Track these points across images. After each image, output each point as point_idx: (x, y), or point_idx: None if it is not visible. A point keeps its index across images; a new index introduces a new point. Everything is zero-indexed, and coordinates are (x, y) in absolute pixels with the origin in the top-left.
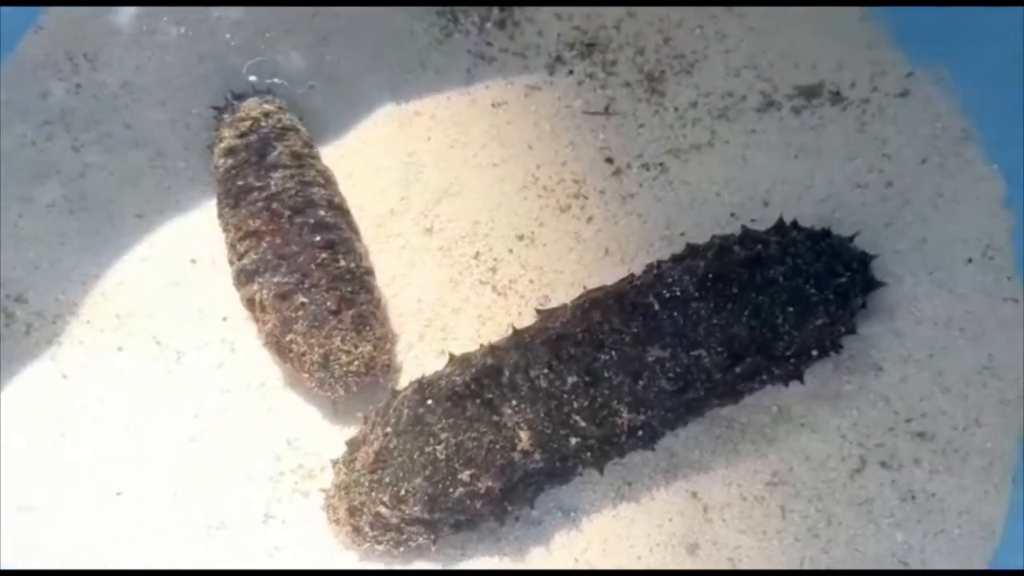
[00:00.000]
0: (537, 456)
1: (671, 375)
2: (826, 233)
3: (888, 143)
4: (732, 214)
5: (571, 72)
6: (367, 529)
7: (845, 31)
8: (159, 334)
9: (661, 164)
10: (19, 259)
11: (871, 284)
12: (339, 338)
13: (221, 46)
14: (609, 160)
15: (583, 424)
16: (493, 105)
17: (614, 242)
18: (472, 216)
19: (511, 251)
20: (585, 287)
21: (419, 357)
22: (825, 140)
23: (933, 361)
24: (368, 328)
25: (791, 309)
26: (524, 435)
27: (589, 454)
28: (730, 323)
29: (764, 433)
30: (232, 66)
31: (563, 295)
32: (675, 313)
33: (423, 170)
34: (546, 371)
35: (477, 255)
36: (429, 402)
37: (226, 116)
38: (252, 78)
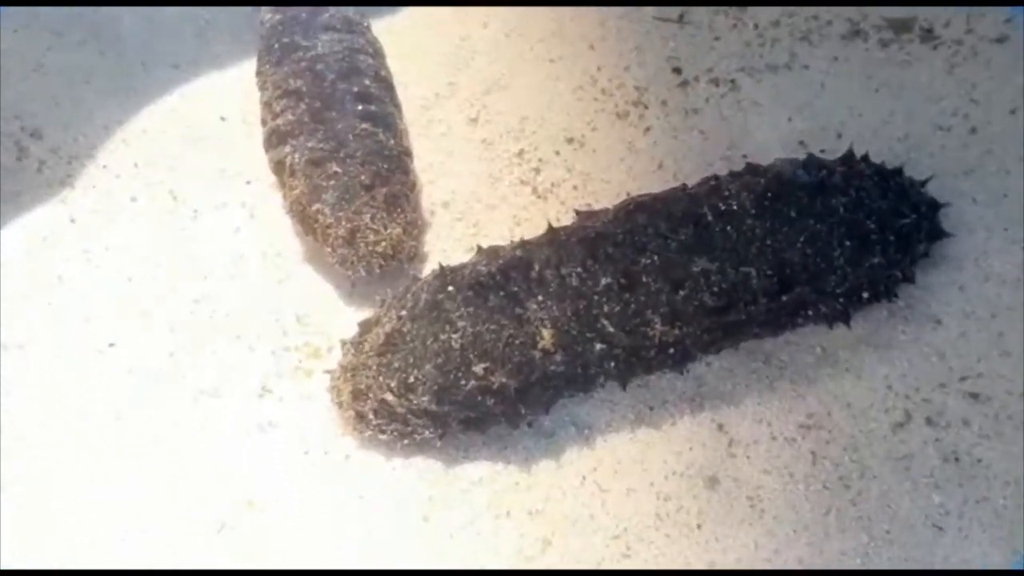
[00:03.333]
0: (558, 357)
1: (715, 290)
2: (897, 172)
3: (977, 88)
4: (801, 142)
5: None
6: (371, 416)
7: None
8: (177, 189)
9: (732, 81)
10: (40, 92)
11: (937, 233)
12: (369, 215)
13: None
14: (676, 70)
15: (612, 330)
16: None
17: (670, 157)
18: (521, 111)
19: (558, 153)
20: (628, 194)
21: (446, 250)
22: (910, 77)
23: (996, 321)
24: (400, 210)
25: (848, 243)
26: (547, 333)
27: (613, 364)
28: (784, 247)
29: (805, 373)
30: None
31: (607, 204)
32: (728, 227)
33: (475, 57)
34: (579, 269)
35: (521, 153)
36: (450, 288)
37: None
38: None
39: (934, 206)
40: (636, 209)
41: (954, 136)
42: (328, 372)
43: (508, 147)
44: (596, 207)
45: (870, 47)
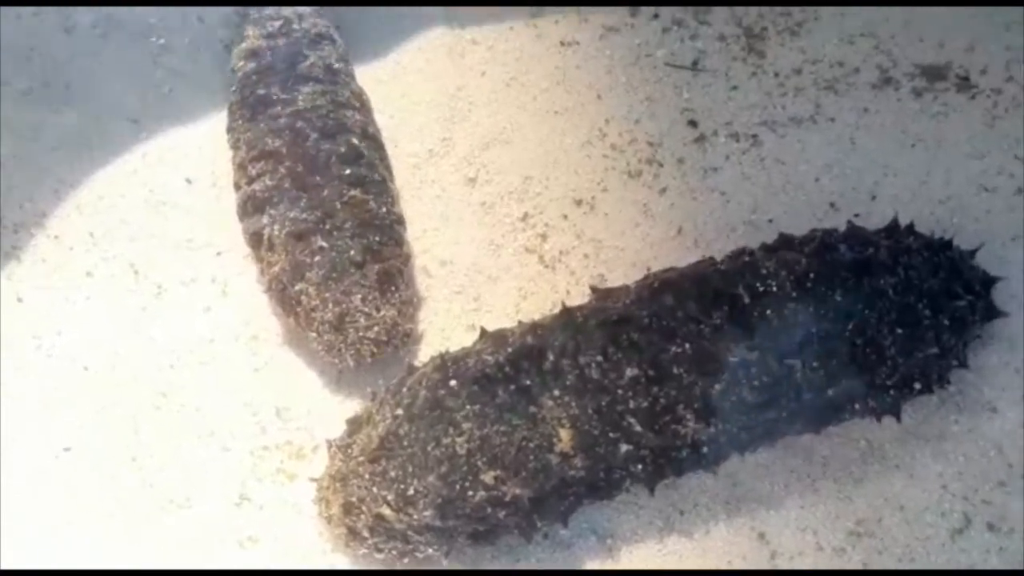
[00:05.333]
0: (578, 462)
1: (756, 383)
2: (947, 244)
3: (1022, 143)
4: (832, 204)
5: (656, 16)
6: (365, 533)
7: (981, 8)
8: (138, 262)
9: (754, 136)
10: None
11: (992, 312)
12: (359, 296)
13: None
14: (692, 123)
15: (638, 428)
16: (562, 44)
17: (689, 221)
18: (524, 170)
19: (566, 217)
20: (649, 269)
21: (445, 330)
22: (948, 131)
23: None
24: (393, 288)
25: (899, 331)
26: (565, 434)
27: (640, 467)
28: (830, 335)
29: (850, 471)
30: None
31: (622, 276)
32: (768, 311)
33: (472, 109)
34: (600, 359)
35: (525, 217)
36: (452, 383)
37: (252, 11)
38: None
39: (988, 282)
40: (661, 288)
41: (1000, 197)
42: (314, 480)
43: (511, 210)
44: (610, 277)
45: (902, 97)
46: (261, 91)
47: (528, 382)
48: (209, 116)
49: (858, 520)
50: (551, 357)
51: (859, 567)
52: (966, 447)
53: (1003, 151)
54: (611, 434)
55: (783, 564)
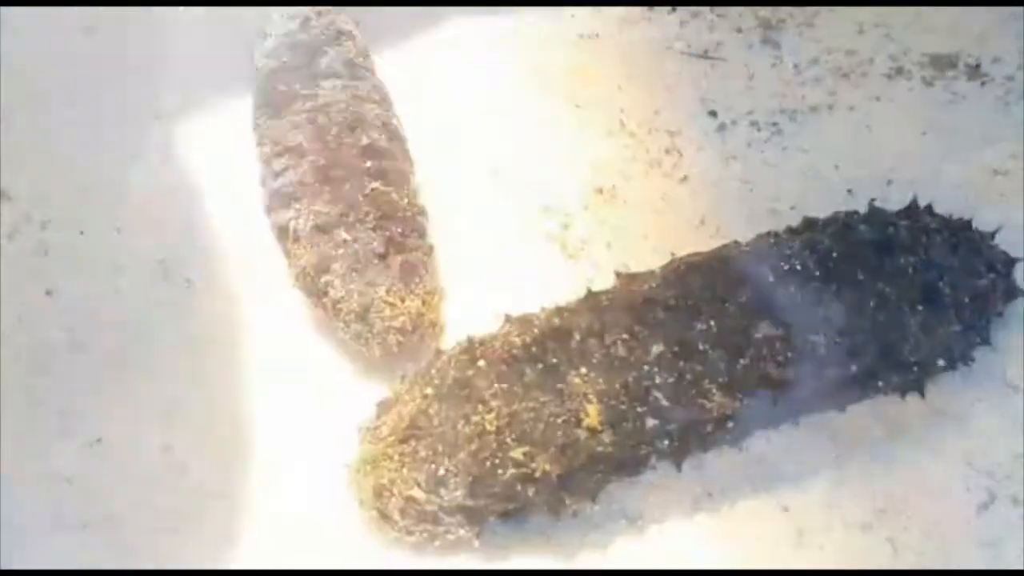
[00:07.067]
0: (606, 437)
1: (780, 359)
2: (966, 224)
3: None
4: (849, 190)
5: (674, 9)
6: (396, 516)
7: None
8: (167, 257)
9: (774, 124)
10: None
11: (1014, 292)
12: (384, 287)
13: None
14: (712, 113)
15: (665, 403)
16: (580, 36)
17: (711, 209)
18: (544, 161)
19: (587, 207)
20: (674, 255)
21: (469, 319)
22: (960, 118)
23: None
24: (418, 279)
25: (921, 308)
26: (592, 410)
27: (667, 442)
28: (853, 313)
29: (875, 450)
30: None
31: (644, 265)
32: (792, 289)
33: (493, 101)
34: (626, 336)
35: (547, 208)
36: (480, 363)
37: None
38: None
39: (1009, 262)
40: (688, 271)
41: (1013, 180)
42: (345, 465)
43: (532, 201)
44: (633, 266)
45: (914, 86)
46: (283, 88)
47: (555, 360)
48: (234, 111)
49: (884, 496)
50: (577, 337)
51: (886, 543)
52: (988, 425)
53: (1015, 136)
54: (639, 409)
55: (810, 541)
